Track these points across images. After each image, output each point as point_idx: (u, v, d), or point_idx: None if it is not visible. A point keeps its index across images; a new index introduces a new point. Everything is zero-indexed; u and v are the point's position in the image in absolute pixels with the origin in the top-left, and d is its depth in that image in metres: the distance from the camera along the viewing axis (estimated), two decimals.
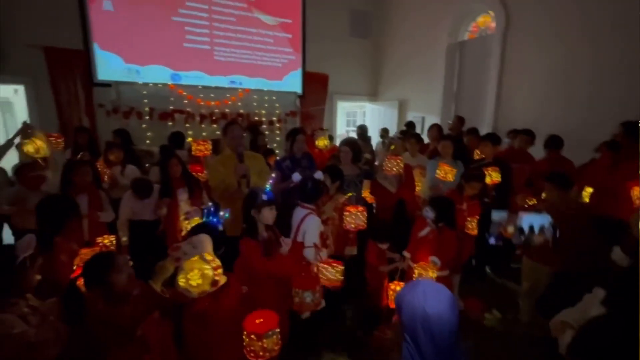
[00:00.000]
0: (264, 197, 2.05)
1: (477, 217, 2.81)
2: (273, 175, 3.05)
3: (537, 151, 3.84)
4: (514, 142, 3.84)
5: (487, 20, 5.48)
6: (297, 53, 6.59)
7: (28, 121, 4.71)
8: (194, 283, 1.34)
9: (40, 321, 1.43)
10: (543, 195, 2.99)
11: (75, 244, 2.06)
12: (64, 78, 4.86)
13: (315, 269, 2.14)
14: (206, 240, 1.43)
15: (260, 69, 6.28)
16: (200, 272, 1.34)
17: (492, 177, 3.17)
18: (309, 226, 2.27)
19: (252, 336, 1.38)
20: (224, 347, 1.68)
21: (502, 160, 3.50)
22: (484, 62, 5.21)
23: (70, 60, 4.85)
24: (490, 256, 3.73)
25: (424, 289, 1.00)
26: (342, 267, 2.07)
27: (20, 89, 5.01)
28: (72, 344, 1.46)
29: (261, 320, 1.43)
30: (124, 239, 2.93)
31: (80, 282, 1.54)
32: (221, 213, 1.86)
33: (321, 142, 4.04)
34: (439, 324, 0.94)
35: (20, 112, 6.09)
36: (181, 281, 1.36)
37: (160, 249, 3.02)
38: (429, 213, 2.54)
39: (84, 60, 4.95)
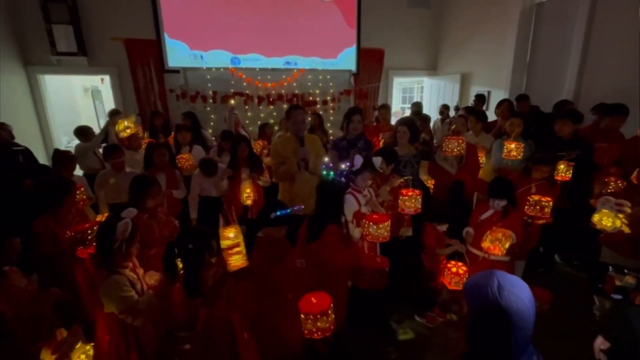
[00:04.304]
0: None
1: (551, 200, 2.44)
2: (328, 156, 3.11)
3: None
4: (600, 120, 3.37)
5: None
6: (352, 29, 6.40)
7: (114, 107, 5.38)
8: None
9: (141, 290, 1.70)
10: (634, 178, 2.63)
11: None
12: (141, 66, 5.38)
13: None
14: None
15: (315, 48, 6.24)
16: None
17: (560, 171, 2.65)
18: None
19: (308, 316, 1.49)
20: (281, 307, 1.91)
21: (584, 140, 3.12)
22: (566, 26, 4.53)
23: (146, 49, 5.33)
24: (560, 243, 3.43)
25: (498, 281, 0.90)
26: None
27: (106, 78, 5.67)
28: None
29: (315, 300, 1.54)
30: (193, 214, 3.25)
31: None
32: (296, 208, 2.02)
33: None
34: (513, 320, 0.86)
35: (107, 98, 6.93)
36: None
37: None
38: (499, 204, 2.43)
39: (157, 49, 5.39)
